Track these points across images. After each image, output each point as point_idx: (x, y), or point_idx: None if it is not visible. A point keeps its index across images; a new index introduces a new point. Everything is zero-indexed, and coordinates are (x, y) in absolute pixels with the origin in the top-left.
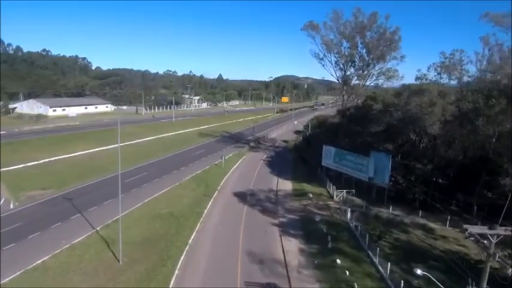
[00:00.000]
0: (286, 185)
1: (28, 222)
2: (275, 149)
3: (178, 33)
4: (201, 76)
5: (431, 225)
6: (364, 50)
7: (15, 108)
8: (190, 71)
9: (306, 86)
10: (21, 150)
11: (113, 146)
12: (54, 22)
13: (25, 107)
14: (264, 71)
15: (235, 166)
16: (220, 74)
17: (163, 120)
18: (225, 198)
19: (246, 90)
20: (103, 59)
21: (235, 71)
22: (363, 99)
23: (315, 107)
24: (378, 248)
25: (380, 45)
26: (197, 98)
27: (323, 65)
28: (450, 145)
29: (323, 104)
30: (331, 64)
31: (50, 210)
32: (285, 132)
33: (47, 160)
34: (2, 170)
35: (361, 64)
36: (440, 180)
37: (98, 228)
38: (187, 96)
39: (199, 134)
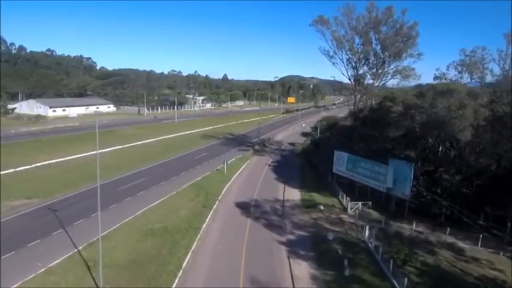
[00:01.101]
0: (294, 194)
1: (4, 238)
2: (281, 153)
3: (183, 34)
4: (206, 76)
5: (460, 244)
6: (379, 47)
7: (15, 108)
8: (195, 71)
9: (311, 86)
10: (15, 153)
11: (112, 148)
12: (60, 22)
13: (24, 107)
14: (269, 71)
15: (238, 172)
16: (225, 74)
17: (165, 121)
18: (226, 210)
19: (251, 90)
20: (109, 60)
21: (241, 71)
22: (378, 100)
23: (328, 106)
24: (406, 279)
25: (396, 42)
26: (201, 98)
27: (333, 63)
28: (481, 153)
29: (334, 104)
30: (342, 62)
31: (31, 224)
32: (292, 134)
33: (39, 164)
34: None
35: (376, 62)
36: (464, 190)
37: (81, 248)
38: (191, 96)
39: (202, 135)
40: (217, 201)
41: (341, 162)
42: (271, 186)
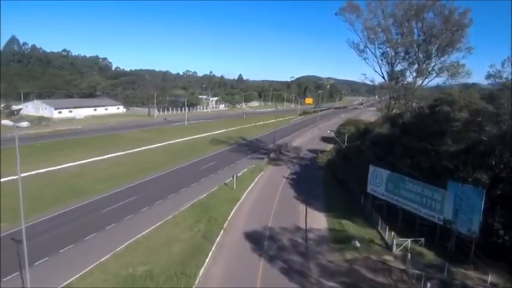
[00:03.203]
0: (319, 221)
1: None
2: (300, 162)
3: (199, 34)
4: (221, 77)
5: None
6: (421, 38)
7: (21, 109)
8: (211, 72)
9: (328, 87)
10: (3, 161)
11: (110, 155)
12: (77, 23)
13: (30, 108)
14: (285, 71)
15: (250, 187)
16: (240, 74)
17: (174, 123)
18: (232, 244)
19: (266, 90)
20: (125, 60)
21: (256, 71)
22: (422, 103)
23: (356, 106)
24: None
25: (445, 31)
26: (215, 99)
27: (364, 58)
28: None
29: (361, 104)
30: (375, 57)
31: None
32: (311, 139)
33: (26, 174)
34: None
35: (418, 56)
36: None
37: None
38: (204, 97)
39: (212, 140)
40: (222, 231)
41: (378, 181)
42: (289, 208)
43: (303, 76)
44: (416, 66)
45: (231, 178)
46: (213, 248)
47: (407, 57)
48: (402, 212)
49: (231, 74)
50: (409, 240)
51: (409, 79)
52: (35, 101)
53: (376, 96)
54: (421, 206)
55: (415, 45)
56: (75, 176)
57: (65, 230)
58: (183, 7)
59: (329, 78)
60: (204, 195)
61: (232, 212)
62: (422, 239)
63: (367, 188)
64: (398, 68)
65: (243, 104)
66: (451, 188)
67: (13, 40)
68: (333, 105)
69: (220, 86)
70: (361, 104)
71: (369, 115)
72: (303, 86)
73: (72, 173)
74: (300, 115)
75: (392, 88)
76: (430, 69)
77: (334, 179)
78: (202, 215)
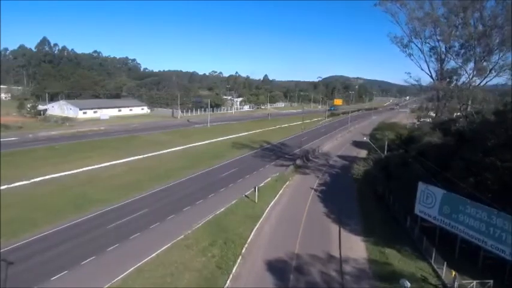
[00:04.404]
0: (356, 248)
1: None
2: (330, 170)
3: (225, 35)
4: (247, 77)
5: None
6: (480, 29)
7: (46, 110)
8: (236, 72)
9: (357, 87)
10: (14, 165)
11: (127, 159)
12: (108, 25)
13: (56, 108)
14: (312, 71)
15: (274, 200)
16: (266, 75)
17: (197, 125)
18: (251, 278)
19: (292, 91)
20: (153, 61)
21: (282, 71)
22: (486, 106)
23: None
24: None
25: None
26: (239, 99)
27: (409, 54)
28: None
29: (397, 105)
30: (421, 52)
31: None
32: (341, 144)
33: (38, 179)
34: None
35: (474, 51)
36: None
37: None
38: (229, 98)
39: (234, 144)
40: (239, 258)
41: (430, 202)
42: (319, 229)
43: (330, 76)
44: (472, 63)
45: (253, 189)
46: (228, 281)
47: (462, 52)
48: (460, 241)
49: (257, 75)
50: (475, 282)
51: (463, 78)
52: (61, 101)
53: (407, 97)
54: (486, 237)
55: (473, 39)
56: (88, 182)
57: (62, 250)
58: (211, 7)
59: (358, 78)
60: (222, 209)
61: (253, 231)
62: (491, 281)
63: (415, 209)
64: (449, 65)
65: (268, 105)
66: None
67: (44, 41)
68: (363, 107)
69: (245, 87)
70: (397, 104)
71: (401, 117)
72: (331, 87)
73: (85, 179)
74: (327, 117)
75: (445, 89)
76: (491, 67)
77: (371, 193)
78: (218, 235)
